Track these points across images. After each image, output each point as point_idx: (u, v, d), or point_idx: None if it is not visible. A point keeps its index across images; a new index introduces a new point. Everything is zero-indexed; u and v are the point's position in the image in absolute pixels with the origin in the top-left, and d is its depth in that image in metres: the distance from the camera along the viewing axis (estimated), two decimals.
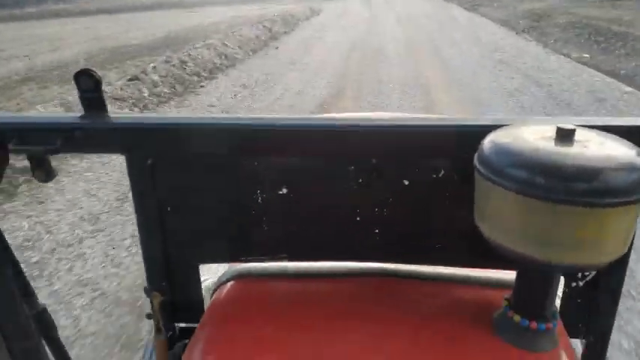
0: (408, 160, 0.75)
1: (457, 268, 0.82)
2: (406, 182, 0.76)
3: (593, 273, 0.78)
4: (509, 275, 0.77)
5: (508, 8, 15.39)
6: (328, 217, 0.80)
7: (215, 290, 0.85)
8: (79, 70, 0.72)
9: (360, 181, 0.76)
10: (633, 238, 0.71)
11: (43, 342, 0.81)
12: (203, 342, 0.72)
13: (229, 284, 0.84)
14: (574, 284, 0.79)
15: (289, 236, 0.82)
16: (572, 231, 0.55)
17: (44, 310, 0.79)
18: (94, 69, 0.73)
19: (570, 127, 0.58)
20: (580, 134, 0.59)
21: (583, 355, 0.83)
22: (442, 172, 0.75)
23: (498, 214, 0.61)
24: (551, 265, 0.58)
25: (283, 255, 0.83)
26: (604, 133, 0.62)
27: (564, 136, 0.58)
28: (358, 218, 0.79)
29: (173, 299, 0.85)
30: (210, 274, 0.94)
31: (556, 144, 0.58)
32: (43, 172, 0.77)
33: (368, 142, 0.74)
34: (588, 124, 0.66)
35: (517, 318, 0.67)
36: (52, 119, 0.75)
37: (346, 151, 0.75)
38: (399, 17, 15.88)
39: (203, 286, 0.89)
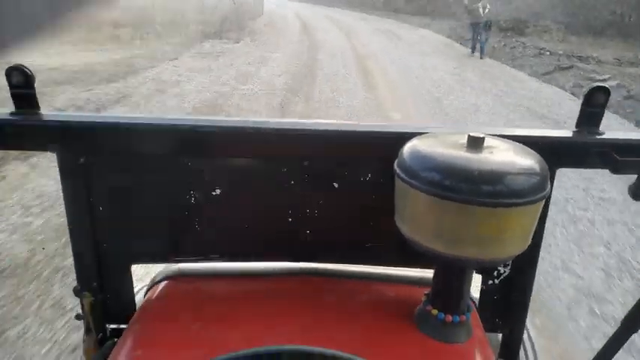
0: (337, 164, 0.79)
1: (383, 267, 0.87)
2: (335, 185, 0.80)
3: (508, 271, 0.85)
4: (429, 273, 0.83)
5: None
6: (260, 218, 0.82)
7: (147, 291, 0.85)
8: (10, 65, 0.71)
9: (292, 182, 0.80)
10: (540, 238, 0.78)
11: None
12: (131, 340, 0.72)
13: (161, 284, 0.85)
14: (490, 282, 0.86)
15: (222, 237, 0.84)
16: (476, 229, 0.61)
17: None
18: (26, 65, 0.72)
19: (480, 135, 0.64)
20: (489, 142, 0.65)
21: (501, 347, 0.89)
22: (369, 175, 0.79)
23: (414, 215, 0.65)
24: (461, 260, 0.64)
25: (216, 255, 0.84)
26: (511, 141, 0.68)
27: (474, 143, 0.64)
28: (290, 219, 0.82)
29: (104, 300, 0.85)
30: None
31: (466, 150, 0.63)
32: None
33: (300, 144, 0.78)
34: (500, 133, 0.72)
35: (434, 312, 0.72)
36: None
37: (279, 153, 0.78)
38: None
39: (136, 288, 0.89)
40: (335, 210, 0.82)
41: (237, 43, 12.03)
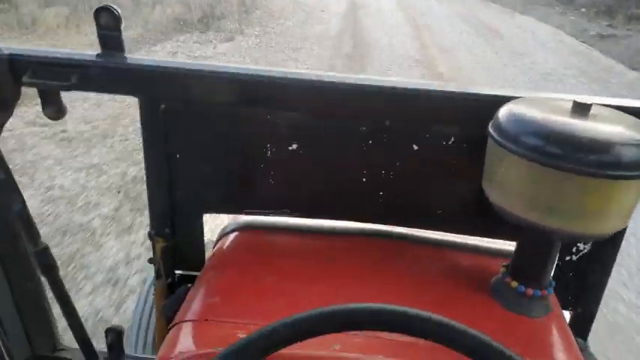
0: (419, 125, 0.76)
1: (457, 235, 0.84)
2: (415, 147, 0.77)
3: (588, 248, 0.81)
4: (507, 245, 0.80)
5: None
6: (335, 176, 0.81)
7: (218, 240, 0.86)
8: (99, 5, 0.71)
9: (371, 142, 0.77)
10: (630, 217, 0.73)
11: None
12: (205, 288, 0.73)
13: (232, 235, 0.85)
14: (568, 257, 0.82)
15: (294, 192, 0.83)
16: (578, 200, 0.57)
17: (46, 249, 0.80)
18: (114, 6, 0.71)
19: (587, 101, 0.60)
20: (595, 110, 0.60)
21: (570, 326, 0.86)
22: (452, 139, 0.76)
23: (507, 180, 0.62)
24: (554, 232, 0.60)
25: (286, 210, 0.84)
26: (617, 111, 0.64)
27: (580, 109, 0.60)
28: (364, 179, 0.80)
29: (175, 246, 0.86)
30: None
31: (571, 116, 0.59)
32: (54, 108, 0.77)
33: (382, 103, 0.75)
34: (604, 102, 0.67)
35: (514, 284, 0.69)
36: (67, 55, 0.74)
37: (360, 111, 0.76)
38: None
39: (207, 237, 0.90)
40: (412, 173, 0.79)
41: (231, 41, 6.73)
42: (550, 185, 0.58)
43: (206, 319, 0.65)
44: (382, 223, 0.85)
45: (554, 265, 0.83)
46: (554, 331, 0.68)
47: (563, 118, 0.58)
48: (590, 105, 0.60)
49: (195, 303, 0.70)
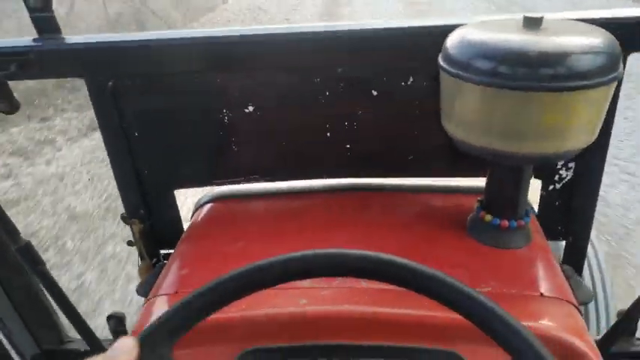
0: (374, 69, 0.73)
1: (430, 179, 0.82)
2: (375, 92, 0.74)
3: (570, 174, 0.78)
4: (482, 182, 0.77)
5: None
6: (297, 134, 0.78)
7: (193, 214, 0.85)
8: None
9: (327, 93, 0.74)
10: (608, 132, 0.70)
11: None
12: (179, 260, 0.72)
13: (205, 207, 0.84)
14: (551, 187, 0.79)
15: (259, 156, 0.81)
16: (538, 118, 0.54)
17: (28, 244, 0.79)
18: None
19: (537, 15, 0.56)
20: (548, 23, 0.57)
21: (564, 255, 0.84)
22: (410, 79, 0.72)
23: (465, 111, 0.59)
24: (519, 156, 0.58)
25: (255, 176, 0.82)
26: (573, 21, 0.60)
27: (531, 24, 0.56)
28: (328, 134, 0.77)
29: (153, 226, 0.86)
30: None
31: (521, 33, 0.55)
32: (6, 101, 0.75)
33: (331, 50, 0.71)
34: (561, 18, 0.63)
35: (488, 217, 0.67)
36: (2, 44, 0.72)
37: (309, 61, 0.72)
38: None
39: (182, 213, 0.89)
40: (375, 120, 0.76)
41: None
42: (508, 108, 0.55)
43: (176, 292, 0.64)
44: (353, 176, 0.83)
45: (540, 196, 0.80)
46: (535, 261, 0.66)
47: (512, 35, 0.55)
48: (541, 18, 0.56)
49: (168, 278, 0.69)
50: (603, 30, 0.57)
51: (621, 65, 0.56)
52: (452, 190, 0.81)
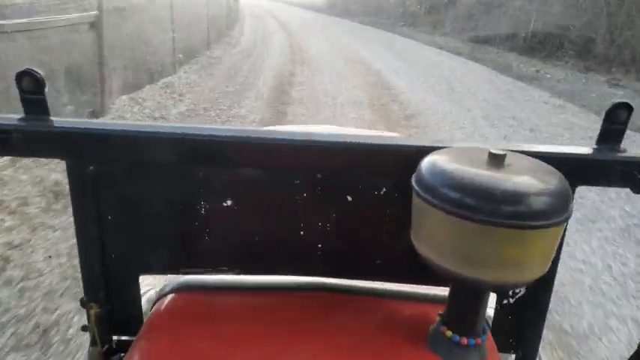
0: (351, 177, 0.77)
1: (395, 284, 0.84)
2: (349, 198, 0.78)
3: (523, 291, 0.83)
4: (444, 292, 0.80)
5: None
6: (272, 231, 0.80)
7: (155, 303, 0.84)
8: (21, 70, 0.70)
9: (305, 195, 0.78)
10: (557, 259, 0.76)
11: None
12: (139, 354, 0.70)
13: (169, 296, 0.83)
14: (505, 301, 0.83)
15: (231, 248, 0.82)
16: (497, 250, 0.59)
17: None
18: (37, 69, 0.71)
19: (501, 152, 0.62)
20: (510, 159, 0.63)
21: None
22: (383, 189, 0.77)
23: (432, 233, 0.63)
24: (479, 282, 0.61)
25: (224, 267, 0.82)
26: (533, 159, 0.66)
27: (495, 160, 0.62)
28: (302, 232, 0.80)
29: (111, 311, 0.83)
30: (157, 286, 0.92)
31: (487, 168, 0.61)
32: None
33: (313, 157, 0.76)
34: (520, 149, 0.70)
35: (449, 333, 0.69)
36: None
37: (290, 164, 0.76)
38: None
39: (144, 298, 0.88)
40: (348, 224, 0.80)
41: None
42: (468, 238, 0.59)
43: None
44: (321, 276, 0.84)
45: (493, 310, 0.84)
46: None
47: (478, 170, 0.60)
48: (504, 155, 0.62)
49: None
50: (556, 171, 0.63)
51: (572, 205, 0.62)
52: (416, 297, 0.83)
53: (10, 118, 0.72)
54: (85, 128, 0.74)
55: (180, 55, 8.35)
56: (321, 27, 18.94)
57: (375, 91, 7.63)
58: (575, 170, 0.72)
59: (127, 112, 5.53)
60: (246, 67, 9.22)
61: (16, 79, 0.70)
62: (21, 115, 0.73)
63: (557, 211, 0.58)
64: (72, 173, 0.75)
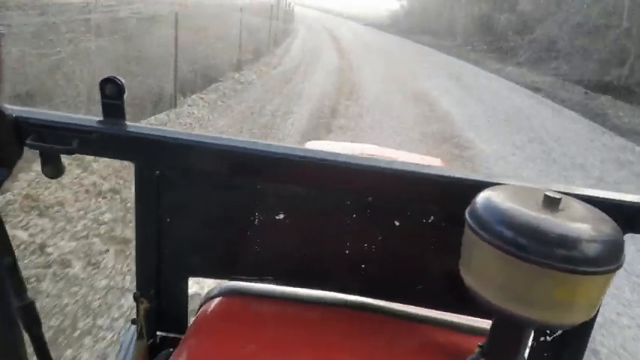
0: (401, 203, 0.80)
1: (437, 312, 0.86)
2: (397, 223, 0.80)
3: (561, 331, 0.83)
4: (483, 323, 0.81)
5: None
6: (319, 247, 0.83)
7: (202, 304, 0.88)
8: (105, 77, 0.75)
9: (354, 216, 0.80)
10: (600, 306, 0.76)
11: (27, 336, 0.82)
12: (187, 354, 0.74)
13: (216, 300, 0.87)
14: (542, 339, 0.84)
15: (279, 260, 0.85)
16: (547, 292, 0.60)
17: (32, 304, 0.80)
18: (119, 77, 0.76)
19: (557, 195, 0.64)
20: (565, 202, 0.64)
21: None
22: (431, 218, 0.79)
23: (482, 267, 0.65)
24: (525, 319, 0.63)
25: (270, 277, 0.86)
26: (586, 205, 0.67)
27: (550, 203, 0.63)
28: (347, 251, 0.83)
29: (159, 308, 0.87)
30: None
31: (542, 210, 0.62)
32: (54, 169, 0.80)
33: (367, 181, 0.78)
34: (574, 192, 0.71)
35: None
36: (70, 120, 0.78)
37: (344, 186, 0.79)
38: None
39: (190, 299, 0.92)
40: (393, 248, 0.82)
41: None
42: (520, 276, 0.60)
43: None
44: (363, 295, 0.87)
45: (530, 345, 0.84)
46: None
47: (533, 211, 0.62)
48: (560, 199, 0.63)
49: None
50: (610, 219, 0.64)
51: (624, 254, 0.63)
52: (455, 326, 0.84)
53: (91, 119, 0.78)
54: (156, 135, 0.79)
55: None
56: (379, 48, 18.12)
57: (443, 146, 5.47)
58: (627, 218, 0.72)
59: None
60: (278, 99, 7.30)
61: (100, 86, 0.76)
62: (100, 117, 0.78)
63: (610, 259, 0.59)
64: (140, 175, 0.80)
